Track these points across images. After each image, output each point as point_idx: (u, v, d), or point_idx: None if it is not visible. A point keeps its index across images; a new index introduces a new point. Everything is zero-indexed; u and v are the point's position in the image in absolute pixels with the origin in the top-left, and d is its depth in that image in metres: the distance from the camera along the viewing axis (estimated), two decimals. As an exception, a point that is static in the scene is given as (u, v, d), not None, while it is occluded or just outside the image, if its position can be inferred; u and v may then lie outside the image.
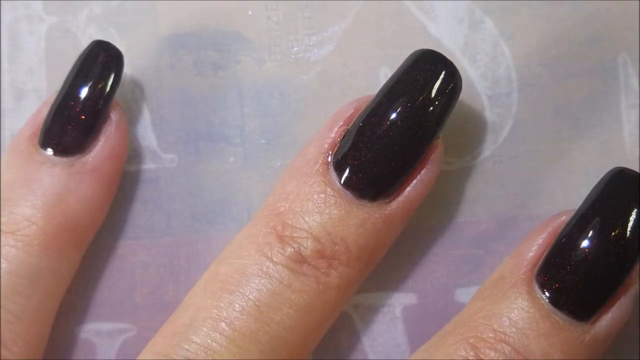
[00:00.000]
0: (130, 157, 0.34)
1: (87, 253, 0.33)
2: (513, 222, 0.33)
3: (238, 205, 0.33)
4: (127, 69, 0.34)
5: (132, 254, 0.33)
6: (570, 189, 0.32)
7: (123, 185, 0.34)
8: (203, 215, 0.33)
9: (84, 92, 0.31)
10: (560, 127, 0.33)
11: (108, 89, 0.31)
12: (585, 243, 0.29)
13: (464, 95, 0.33)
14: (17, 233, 0.31)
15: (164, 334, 0.29)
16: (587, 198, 0.30)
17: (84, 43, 0.33)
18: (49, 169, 0.31)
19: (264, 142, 0.33)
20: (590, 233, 0.29)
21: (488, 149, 0.33)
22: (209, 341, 0.28)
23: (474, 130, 0.33)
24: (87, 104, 0.31)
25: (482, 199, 0.33)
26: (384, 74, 0.33)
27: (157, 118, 0.34)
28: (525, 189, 0.32)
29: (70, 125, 0.31)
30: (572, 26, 0.33)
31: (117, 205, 0.33)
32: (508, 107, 0.33)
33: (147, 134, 0.34)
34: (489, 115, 0.33)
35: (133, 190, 0.34)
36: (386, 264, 0.33)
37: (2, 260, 0.30)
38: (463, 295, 0.32)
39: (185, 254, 0.33)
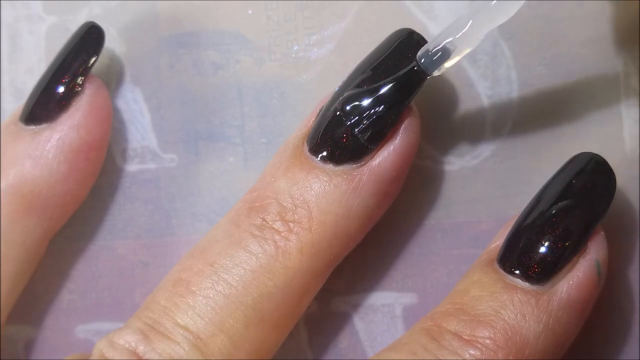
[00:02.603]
0: (130, 157, 0.34)
1: (87, 253, 0.33)
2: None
3: (238, 205, 0.33)
4: (127, 69, 0.34)
5: (132, 254, 0.33)
6: (570, 189, 0.32)
7: (123, 185, 0.34)
8: (203, 215, 0.33)
9: (61, 67, 0.32)
10: (560, 127, 0.33)
11: (86, 63, 0.32)
12: (537, 213, 0.29)
13: (464, 95, 0.33)
14: None
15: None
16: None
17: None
18: (14, 134, 0.32)
19: (264, 142, 0.33)
20: (540, 205, 0.29)
21: (488, 149, 0.33)
22: (165, 302, 0.29)
23: (474, 130, 0.33)
24: (61, 76, 0.32)
25: (482, 199, 0.33)
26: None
27: (157, 118, 0.34)
28: (525, 189, 0.32)
29: (43, 95, 0.32)
30: (572, 26, 0.33)
31: (117, 205, 0.33)
32: (508, 107, 0.33)
33: (147, 134, 0.34)
34: (489, 115, 0.33)
35: (133, 190, 0.34)
36: (386, 264, 0.33)
37: None
38: (463, 295, 0.32)
39: (185, 254, 0.33)
